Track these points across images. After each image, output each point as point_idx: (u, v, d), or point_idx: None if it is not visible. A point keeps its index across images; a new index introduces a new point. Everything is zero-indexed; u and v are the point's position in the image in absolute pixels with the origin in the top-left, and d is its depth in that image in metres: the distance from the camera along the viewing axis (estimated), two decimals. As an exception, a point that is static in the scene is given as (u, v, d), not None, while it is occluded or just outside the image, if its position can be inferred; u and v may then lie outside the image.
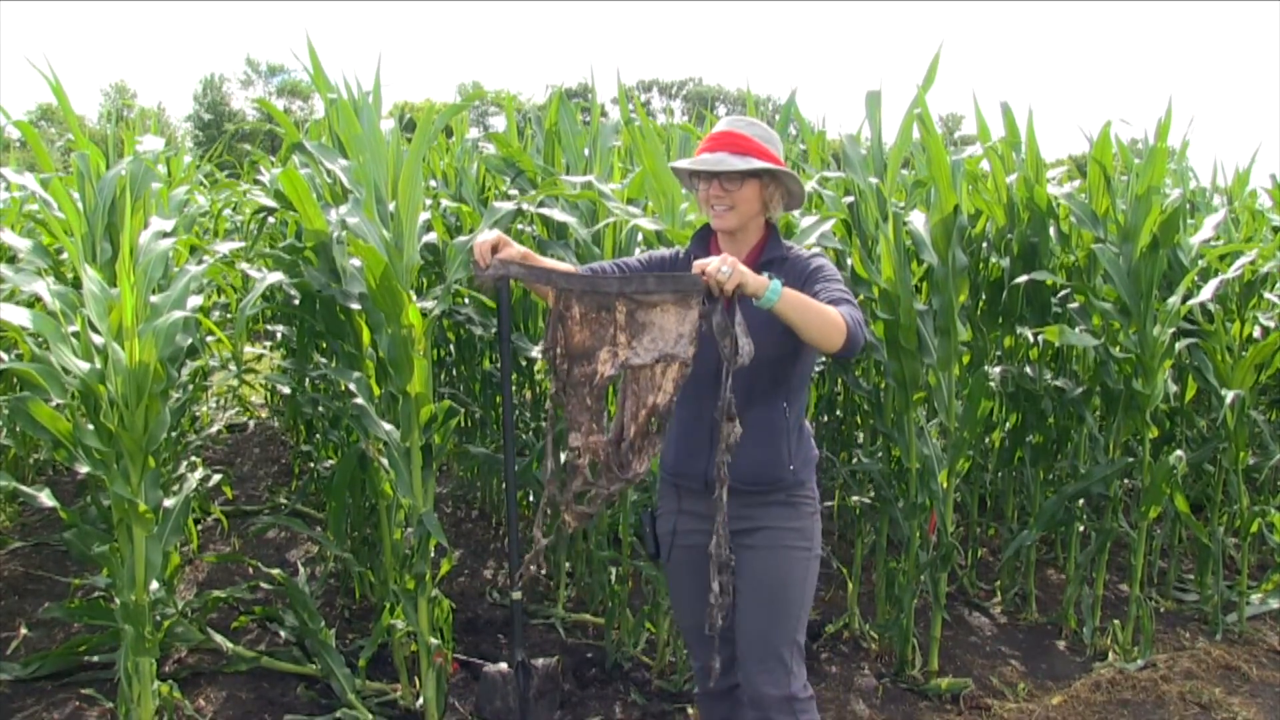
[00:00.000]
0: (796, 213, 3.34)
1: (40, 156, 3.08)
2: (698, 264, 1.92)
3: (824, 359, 3.73)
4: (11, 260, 3.80)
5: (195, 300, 2.75)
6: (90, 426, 2.47)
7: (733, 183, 2.19)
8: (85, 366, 2.41)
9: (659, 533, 2.39)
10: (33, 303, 3.10)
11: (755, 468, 2.22)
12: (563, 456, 2.26)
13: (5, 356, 3.76)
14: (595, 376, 2.01)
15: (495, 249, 2.15)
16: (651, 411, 1.99)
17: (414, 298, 2.85)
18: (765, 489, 2.24)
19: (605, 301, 2.00)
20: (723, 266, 1.88)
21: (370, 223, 2.77)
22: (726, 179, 2.19)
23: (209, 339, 3.92)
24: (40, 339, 2.52)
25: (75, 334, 2.50)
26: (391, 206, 2.87)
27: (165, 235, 2.80)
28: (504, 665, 2.91)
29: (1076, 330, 3.68)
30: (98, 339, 2.47)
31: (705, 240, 2.35)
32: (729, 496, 2.17)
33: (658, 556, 2.40)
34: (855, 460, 3.73)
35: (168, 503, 2.70)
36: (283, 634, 3.64)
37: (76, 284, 2.87)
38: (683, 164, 2.28)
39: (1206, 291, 3.53)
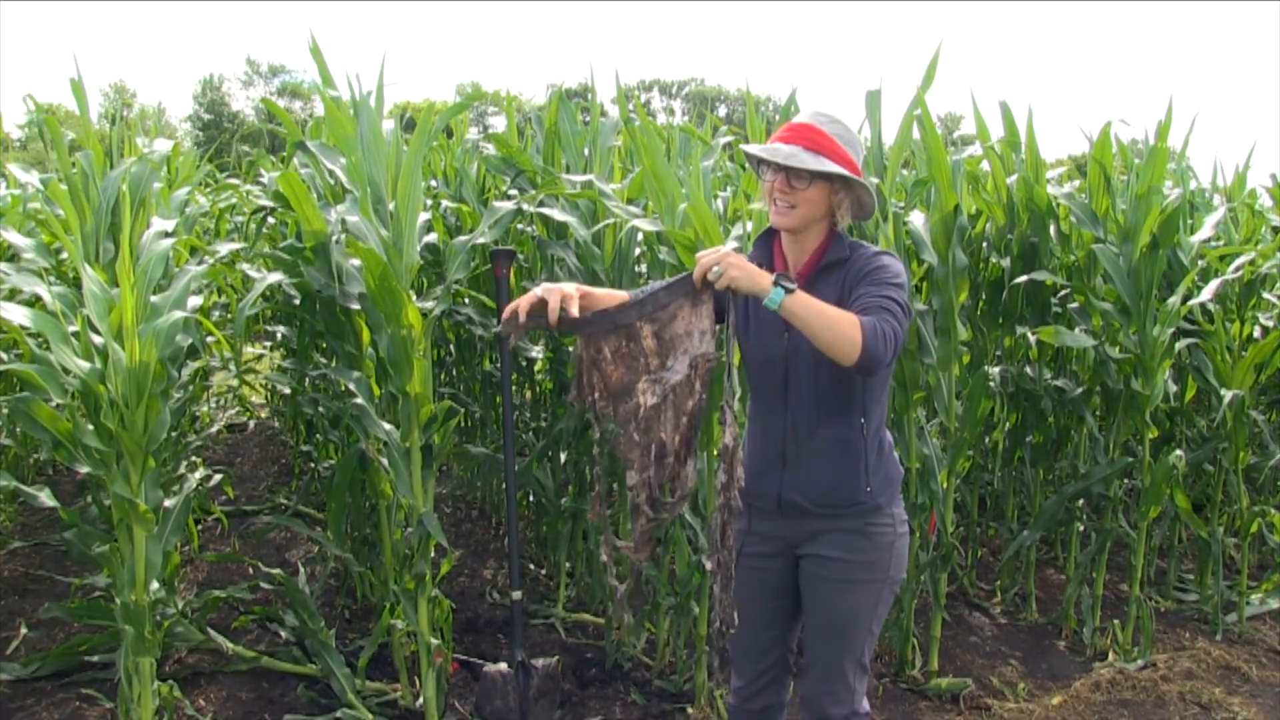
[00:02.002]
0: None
1: (61, 158, 3.06)
2: (700, 254, 1.90)
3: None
4: (12, 259, 3.81)
5: (196, 300, 2.75)
6: (90, 427, 2.47)
7: (800, 181, 2.04)
8: (86, 366, 2.41)
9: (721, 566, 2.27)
10: (33, 302, 3.11)
11: (827, 489, 2.11)
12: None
13: (4, 356, 3.76)
14: (639, 410, 1.99)
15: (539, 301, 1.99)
16: (691, 416, 1.98)
17: (414, 298, 2.85)
18: (838, 512, 2.13)
19: (630, 331, 1.98)
20: (716, 266, 1.84)
21: (369, 222, 2.77)
22: (794, 175, 2.04)
23: (209, 339, 3.92)
24: (40, 339, 2.52)
25: (75, 334, 2.50)
26: (391, 206, 2.87)
27: (166, 235, 2.80)
28: (504, 665, 2.91)
29: (1075, 331, 3.69)
30: (97, 339, 2.47)
31: (769, 240, 2.22)
32: (800, 518, 2.14)
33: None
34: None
35: (168, 503, 2.70)
36: (283, 634, 3.64)
37: (77, 283, 2.88)
38: (752, 149, 2.12)
39: (1206, 292, 3.53)
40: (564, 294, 1.98)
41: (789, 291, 1.83)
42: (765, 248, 2.22)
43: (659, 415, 1.99)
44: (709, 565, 1.98)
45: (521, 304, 2.01)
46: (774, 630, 2.28)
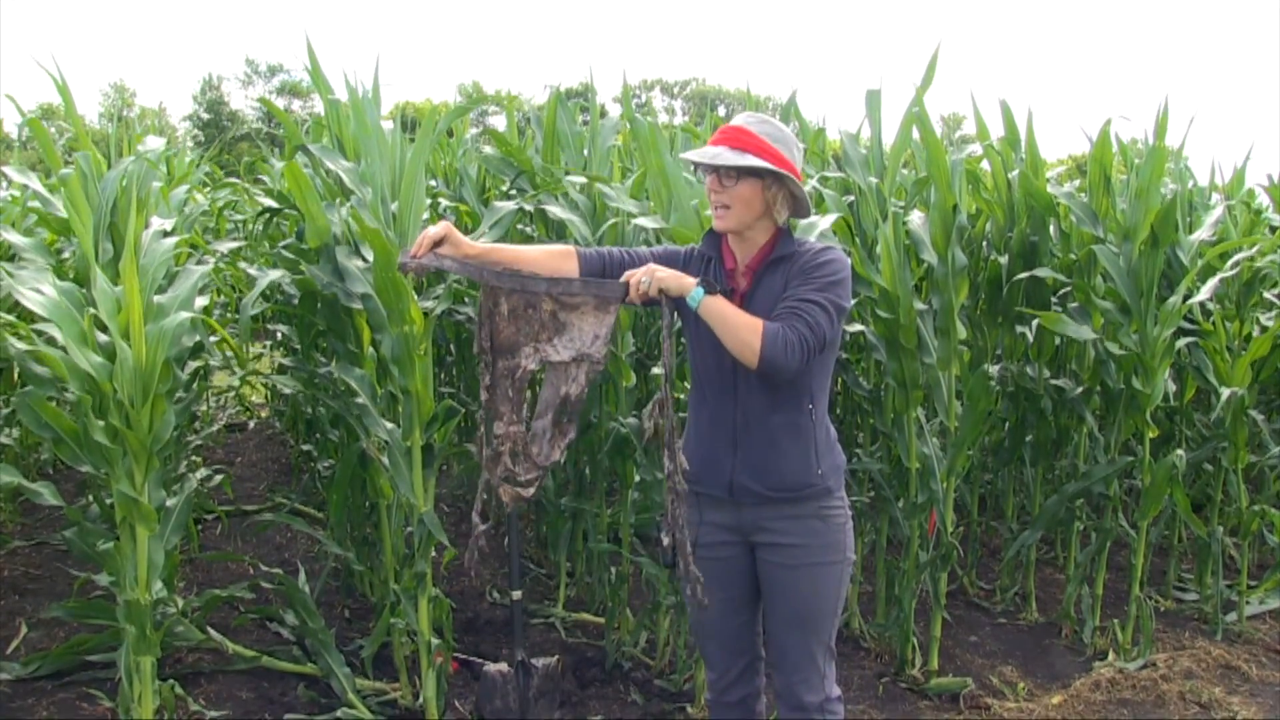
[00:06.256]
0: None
1: (50, 156, 3.07)
2: (627, 274, 2.04)
3: (843, 353, 3.75)
4: (11, 259, 3.80)
5: (202, 300, 2.76)
6: (101, 423, 2.47)
7: (729, 179, 2.10)
8: (98, 360, 2.40)
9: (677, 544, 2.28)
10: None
11: (783, 475, 2.16)
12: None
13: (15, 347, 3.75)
14: (518, 370, 2.12)
15: (440, 243, 2.09)
16: (564, 400, 2.12)
17: (415, 297, 2.85)
18: (794, 497, 2.18)
19: (532, 300, 2.10)
20: (643, 279, 2.00)
21: (374, 223, 2.77)
22: (724, 175, 2.10)
23: (212, 338, 3.92)
24: (47, 336, 2.52)
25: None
26: (394, 207, 2.88)
27: (166, 234, 2.80)
28: (504, 665, 2.92)
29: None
30: (103, 337, 2.47)
31: (717, 239, 2.25)
32: (754, 505, 2.20)
33: (672, 567, 2.29)
34: (855, 460, 3.74)
35: (169, 502, 2.70)
36: (283, 633, 3.64)
37: (77, 283, 2.87)
38: (689, 155, 2.19)
39: (1205, 290, 3.54)
40: (450, 234, 2.09)
41: (709, 293, 2.01)
42: (713, 244, 2.25)
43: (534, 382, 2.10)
44: (665, 541, 2.15)
45: (426, 241, 2.08)
46: (740, 618, 2.31)
